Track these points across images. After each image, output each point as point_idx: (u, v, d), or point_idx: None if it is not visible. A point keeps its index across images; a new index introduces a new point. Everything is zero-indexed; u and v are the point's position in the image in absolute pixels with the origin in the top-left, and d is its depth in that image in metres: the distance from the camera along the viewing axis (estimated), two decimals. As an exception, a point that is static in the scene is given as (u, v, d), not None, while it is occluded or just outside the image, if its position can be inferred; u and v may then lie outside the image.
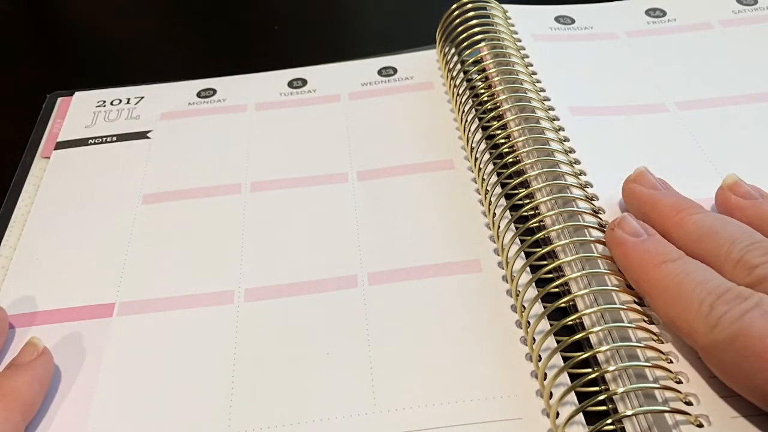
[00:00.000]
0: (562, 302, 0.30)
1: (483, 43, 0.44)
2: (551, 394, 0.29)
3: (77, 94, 0.49)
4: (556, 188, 0.35)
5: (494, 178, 0.38)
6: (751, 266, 0.27)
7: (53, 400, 0.32)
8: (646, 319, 0.30)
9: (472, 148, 0.40)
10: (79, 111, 0.48)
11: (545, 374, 0.30)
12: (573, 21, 0.49)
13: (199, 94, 0.48)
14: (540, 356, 0.30)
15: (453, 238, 0.37)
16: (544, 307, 0.31)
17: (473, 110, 0.41)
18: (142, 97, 0.48)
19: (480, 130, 0.40)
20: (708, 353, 0.26)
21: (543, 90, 0.41)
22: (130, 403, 0.31)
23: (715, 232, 0.29)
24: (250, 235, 0.38)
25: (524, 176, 0.36)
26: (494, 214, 0.36)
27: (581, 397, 0.29)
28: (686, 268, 0.28)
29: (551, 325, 0.30)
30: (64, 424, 0.31)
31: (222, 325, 0.34)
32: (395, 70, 0.48)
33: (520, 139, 0.38)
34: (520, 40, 0.45)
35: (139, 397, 0.32)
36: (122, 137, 0.45)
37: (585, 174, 0.36)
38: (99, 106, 0.48)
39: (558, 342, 0.30)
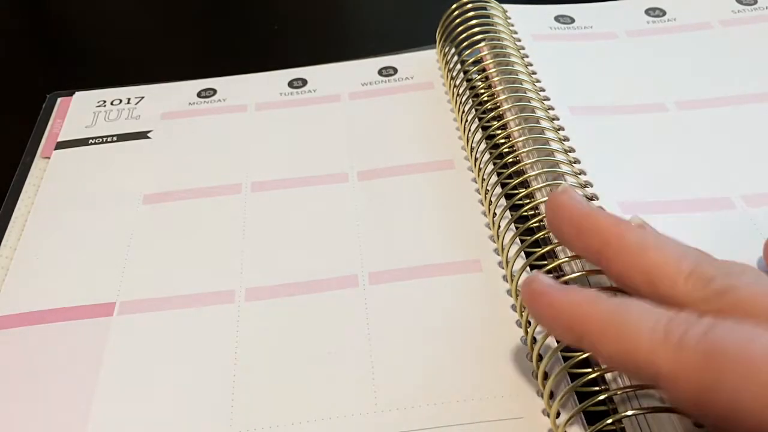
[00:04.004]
0: (562, 302, 0.30)
1: (483, 43, 0.44)
2: (552, 393, 0.29)
3: (77, 94, 0.49)
4: (555, 188, 0.35)
5: (494, 178, 0.38)
6: (707, 278, 0.24)
7: (53, 401, 0.32)
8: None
9: (472, 148, 0.40)
10: (80, 111, 0.48)
11: (546, 374, 0.30)
12: (573, 20, 0.49)
13: (199, 94, 0.48)
14: (540, 356, 0.30)
15: (453, 237, 0.37)
16: (545, 307, 0.31)
17: (473, 110, 0.41)
18: (143, 97, 0.48)
19: (480, 129, 0.40)
20: (677, 381, 0.22)
21: (543, 90, 0.41)
22: (130, 403, 0.31)
23: (663, 245, 0.26)
24: (250, 235, 0.38)
25: (524, 176, 0.36)
26: (494, 213, 0.37)
27: (581, 397, 0.29)
28: (624, 301, 0.25)
29: (551, 324, 0.30)
30: (65, 424, 0.31)
31: (222, 325, 0.34)
32: (395, 70, 0.48)
33: (520, 139, 0.38)
34: (519, 40, 0.45)
35: (140, 396, 0.32)
36: (123, 137, 0.45)
37: (584, 173, 0.36)
38: (99, 106, 0.48)
39: (558, 342, 0.30)
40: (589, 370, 0.29)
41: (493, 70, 0.42)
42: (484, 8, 0.45)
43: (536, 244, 0.34)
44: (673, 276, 0.25)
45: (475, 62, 0.44)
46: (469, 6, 0.45)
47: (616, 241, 0.27)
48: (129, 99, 0.48)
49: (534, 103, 0.39)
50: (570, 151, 0.37)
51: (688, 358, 0.22)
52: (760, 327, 0.22)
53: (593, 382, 0.29)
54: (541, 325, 0.28)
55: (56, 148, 0.45)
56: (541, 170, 0.36)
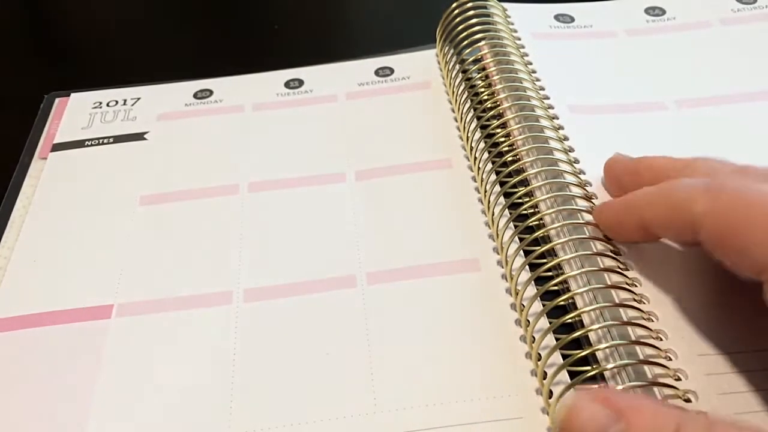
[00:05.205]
0: (561, 300, 0.30)
1: (483, 42, 0.44)
2: (551, 392, 0.29)
3: (74, 95, 0.49)
4: (555, 186, 0.35)
5: (493, 177, 0.38)
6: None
7: (52, 404, 0.32)
8: (645, 316, 0.29)
9: (471, 147, 0.40)
10: (76, 112, 0.47)
11: (545, 372, 0.30)
12: (573, 19, 0.48)
13: (195, 95, 0.48)
14: (540, 354, 0.30)
15: (452, 236, 0.37)
16: (544, 305, 0.31)
17: (472, 109, 0.41)
18: (139, 99, 0.48)
19: (479, 128, 0.40)
20: (713, 220, 0.26)
21: (542, 89, 0.41)
22: (129, 405, 0.31)
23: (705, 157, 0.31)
24: (248, 236, 0.38)
25: (523, 174, 0.36)
26: (493, 212, 0.36)
27: (581, 395, 0.28)
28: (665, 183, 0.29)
29: (551, 323, 0.30)
30: (64, 426, 0.31)
31: (221, 326, 0.34)
32: (392, 70, 0.48)
33: (520, 137, 0.38)
34: (519, 39, 0.45)
35: (139, 398, 0.32)
36: (119, 138, 0.45)
37: (584, 172, 0.36)
38: (95, 107, 0.48)
39: (557, 340, 0.29)
40: (588, 367, 0.29)
41: (493, 68, 0.42)
42: (485, 7, 0.45)
43: (535, 242, 0.33)
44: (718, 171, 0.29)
45: (475, 61, 0.43)
46: (469, 5, 0.45)
47: (669, 164, 0.31)
48: (125, 100, 0.48)
49: (533, 102, 0.39)
50: (569, 150, 0.37)
51: (720, 202, 0.26)
52: None
53: (592, 379, 0.29)
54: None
55: (53, 150, 0.44)
56: (540, 168, 0.35)
